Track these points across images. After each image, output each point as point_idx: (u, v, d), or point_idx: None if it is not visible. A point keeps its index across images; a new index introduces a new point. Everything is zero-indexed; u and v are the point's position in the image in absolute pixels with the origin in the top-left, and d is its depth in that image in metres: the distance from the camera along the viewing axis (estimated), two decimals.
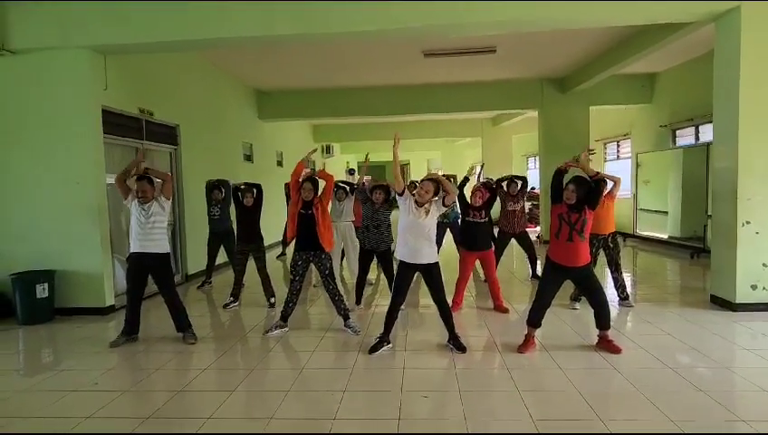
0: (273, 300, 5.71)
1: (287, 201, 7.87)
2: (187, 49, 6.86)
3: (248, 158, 10.14)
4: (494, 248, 5.46)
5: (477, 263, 5.42)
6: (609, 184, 4.92)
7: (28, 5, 5.17)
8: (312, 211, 4.53)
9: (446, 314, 4.12)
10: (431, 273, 4.05)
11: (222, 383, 3.59)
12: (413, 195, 4.05)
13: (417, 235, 3.97)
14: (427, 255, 4.01)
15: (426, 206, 3.99)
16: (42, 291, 5.22)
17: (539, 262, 6.82)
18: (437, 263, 4.07)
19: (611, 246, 5.17)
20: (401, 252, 4.06)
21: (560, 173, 3.97)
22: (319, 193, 4.67)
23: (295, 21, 5.08)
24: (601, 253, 5.24)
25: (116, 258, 5.88)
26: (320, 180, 4.77)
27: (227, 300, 5.77)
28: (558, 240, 3.88)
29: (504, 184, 6.60)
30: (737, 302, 4.95)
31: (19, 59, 5.30)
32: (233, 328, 5.08)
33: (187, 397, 3.36)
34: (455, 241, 7.01)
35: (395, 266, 4.79)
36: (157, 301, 5.31)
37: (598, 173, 3.93)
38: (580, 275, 3.97)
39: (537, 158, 16.04)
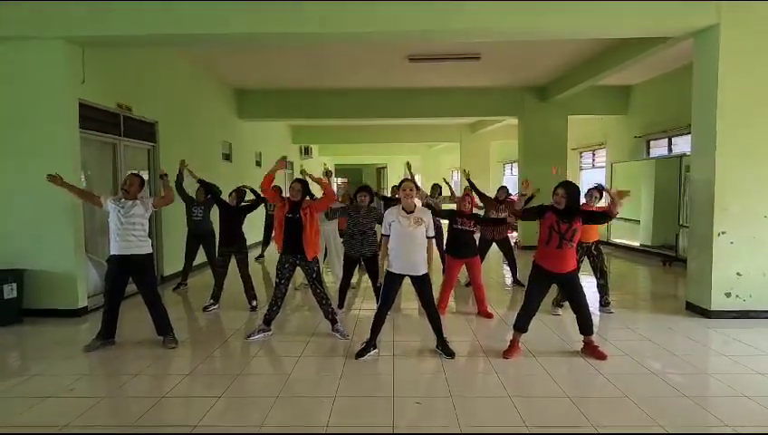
0: (254, 303, 5.59)
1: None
2: (169, 44, 6.67)
3: (227, 157, 9.95)
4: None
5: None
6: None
7: None
8: (300, 215, 4.42)
9: (434, 318, 4.10)
10: (423, 282, 4.02)
11: (206, 390, 3.46)
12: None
13: (410, 245, 3.92)
14: (419, 264, 3.98)
15: (415, 215, 3.96)
16: (9, 291, 4.96)
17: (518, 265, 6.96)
18: (427, 271, 4.05)
19: (595, 253, 5.28)
20: (396, 266, 3.98)
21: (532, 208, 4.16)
22: (314, 198, 4.58)
23: (282, 19, 5.00)
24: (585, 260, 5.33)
25: (90, 258, 5.65)
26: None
27: (207, 302, 5.62)
28: (547, 247, 3.92)
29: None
30: (712, 309, 5.10)
31: None
32: (214, 332, 4.94)
33: (170, 404, 3.23)
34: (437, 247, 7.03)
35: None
36: (132, 303, 5.13)
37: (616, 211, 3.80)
38: (565, 281, 4.02)
39: (513, 165, 16.35)
